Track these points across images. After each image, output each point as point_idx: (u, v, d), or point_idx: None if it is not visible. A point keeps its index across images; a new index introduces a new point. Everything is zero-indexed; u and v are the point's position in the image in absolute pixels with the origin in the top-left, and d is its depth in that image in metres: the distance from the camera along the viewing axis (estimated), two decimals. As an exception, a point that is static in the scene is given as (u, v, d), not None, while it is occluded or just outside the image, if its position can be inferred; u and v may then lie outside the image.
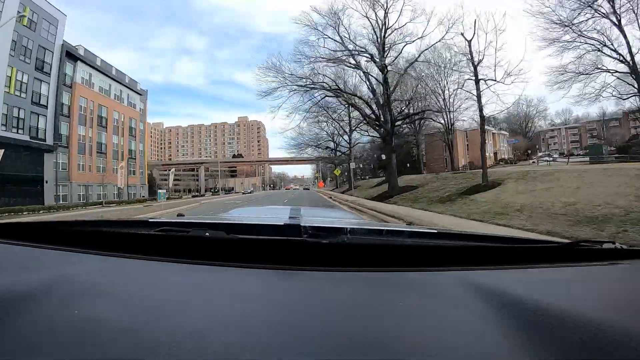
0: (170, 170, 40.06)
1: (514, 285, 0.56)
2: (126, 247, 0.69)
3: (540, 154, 53.13)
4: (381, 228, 1.10)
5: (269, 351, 0.37)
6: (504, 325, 0.42)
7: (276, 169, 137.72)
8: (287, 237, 0.68)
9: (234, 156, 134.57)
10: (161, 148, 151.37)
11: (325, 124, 35.21)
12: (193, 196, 56.58)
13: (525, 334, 0.40)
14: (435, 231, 0.97)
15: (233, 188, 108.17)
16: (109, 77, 35.53)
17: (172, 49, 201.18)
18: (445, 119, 39.98)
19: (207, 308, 0.47)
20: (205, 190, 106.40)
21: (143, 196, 39.46)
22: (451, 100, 40.05)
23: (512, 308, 0.47)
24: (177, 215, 1.47)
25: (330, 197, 22.93)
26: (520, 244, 0.84)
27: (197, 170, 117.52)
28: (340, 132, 34.80)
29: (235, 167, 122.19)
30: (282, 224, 0.87)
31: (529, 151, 56.83)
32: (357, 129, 32.09)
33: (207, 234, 0.78)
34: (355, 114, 30.41)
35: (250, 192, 60.73)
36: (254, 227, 0.99)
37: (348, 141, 33.75)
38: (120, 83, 37.30)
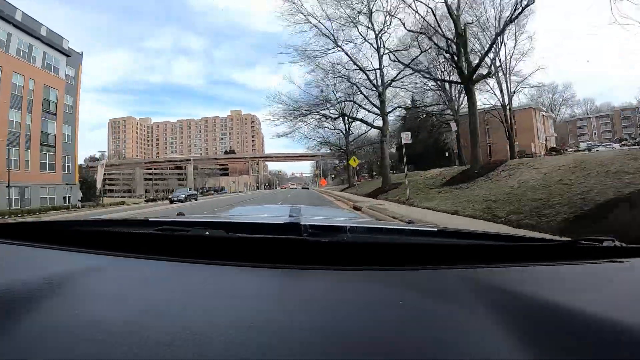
0: (100, 163, 27.56)
1: (514, 284, 0.57)
2: (126, 247, 0.69)
3: (591, 143, 42.64)
4: (381, 226, 1.09)
5: (270, 350, 0.37)
6: (504, 324, 0.43)
7: (273, 167, 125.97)
8: (287, 236, 0.68)
9: (225, 152, 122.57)
10: (148, 145, 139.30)
11: (334, 85, 22.77)
12: (147, 200, 40.86)
13: (526, 332, 0.41)
14: (436, 229, 0.96)
15: (224, 188, 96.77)
16: (8, 22, 23.35)
17: (170, 49, 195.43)
18: (501, 88, 27.94)
19: (207, 307, 0.47)
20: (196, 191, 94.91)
21: (79, 201, 27.56)
22: (507, 59, 28.30)
23: (513, 306, 0.47)
24: (177, 214, 1.44)
25: (359, 209, 10.47)
26: (521, 242, 0.85)
27: (185, 169, 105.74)
28: (365, 92, 21.56)
29: (227, 164, 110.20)
30: (282, 222, 0.88)
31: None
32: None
33: (207, 233, 0.79)
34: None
35: (185, 199, 27.17)
36: (254, 226, 0.98)
37: (378, 103, 20.26)
38: (30, 35, 25.10)
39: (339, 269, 0.61)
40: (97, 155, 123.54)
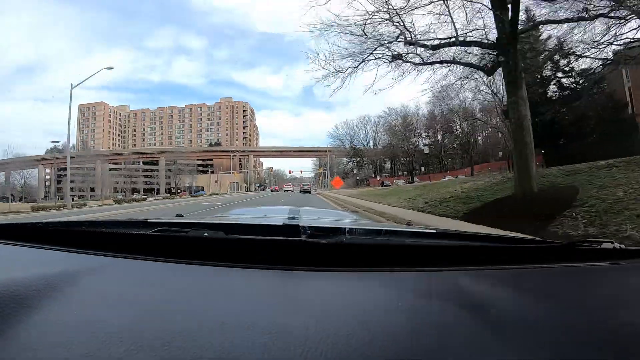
0: None
1: (512, 285, 0.57)
2: (125, 248, 0.69)
3: None
4: (380, 228, 1.10)
5: (269, 352, 0.37)
6: (502, 325, 0.42)
7: (272, 165, 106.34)
8: (286, 237, 0.68)
9: (210, 145, 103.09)
10: (124, 136, 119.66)
11: None
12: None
13: (525, 333, 0.40)
14: (434, 231, 0.97)
15: (202, 188, 77.37)
16: None
17: (170, 49, 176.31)
18: None
19: (205, 308, 0.47)
20: (169, 191, 76.50)
21: None
22: None
23: (511, 308, 0.47)
24: (176, 216, 1.44)
25: None
26: (520, 244, 0.84)
27: (159, 164, 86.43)
28: None
29: (212, 159, 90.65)
30: (281, 224, 0.89)
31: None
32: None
33: (205, 234, 0.79)
34: None
35: None
36: (253, 227, 1.00)
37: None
38: None
39: (337, 270, 0.61)
40: (60, 145, 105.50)
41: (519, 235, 2.97)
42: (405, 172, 66.62)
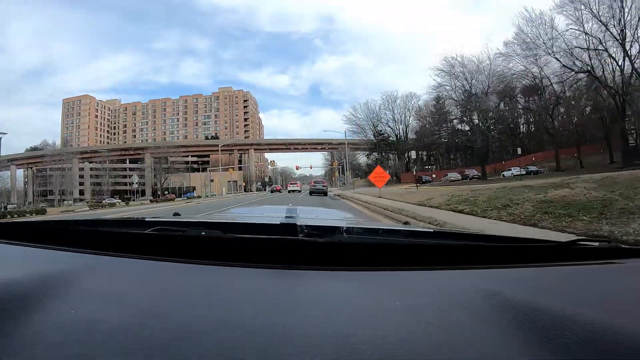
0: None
1: (510, 285, 0.57)
2: (122, 247, 0.68)
3: None
4: (378, 227, 1.12)
5: (266, 351, 0.37)
6: (500, 325, 0.43)
7: (278, 161, 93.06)
8: (284, 237, 0.69)
9: (206, 139, 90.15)
10: (114, 133, 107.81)
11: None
12: None
13: (522, 333, 0.40)
14: (432, 230, 0.98)
15: (194, 189, 64.70)
16: None
17: (176, 50, 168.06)
18: None
19: (203, 308, 0.47)
20: (156, 193, 64.48)
21: None
22: None
23: (509, 307, 0.47)
24: (174, 215, 1.44)
25: None
26: (517, 243, 0.86)
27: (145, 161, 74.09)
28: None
29: (209, 155, 77.71)
30: (279, 223, 0.89)
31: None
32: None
33: (203, 233, 0.79)
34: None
35: None
36: (250, 226, 1.01)
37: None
38: None
39: (335, 269, 0.61)
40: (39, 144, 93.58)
41: (518, 234, 2.86)
42: (439, 166, 52.93)
